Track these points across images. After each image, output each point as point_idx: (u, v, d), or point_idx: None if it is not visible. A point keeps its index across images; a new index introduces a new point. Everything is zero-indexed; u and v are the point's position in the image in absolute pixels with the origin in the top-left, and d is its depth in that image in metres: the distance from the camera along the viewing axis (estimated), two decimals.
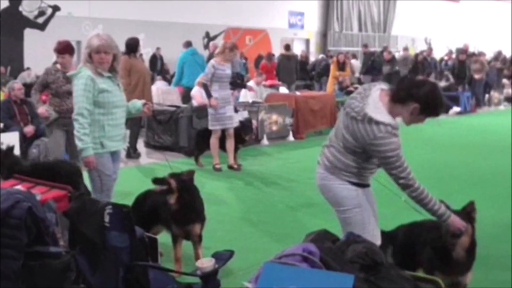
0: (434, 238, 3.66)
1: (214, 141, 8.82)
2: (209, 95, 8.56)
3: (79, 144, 4.62)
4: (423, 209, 3.51)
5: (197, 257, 4.58)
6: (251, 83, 12.82)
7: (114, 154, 4.87)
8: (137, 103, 5.05)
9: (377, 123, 3.38)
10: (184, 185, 4.59)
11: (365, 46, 21.32)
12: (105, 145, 4.71)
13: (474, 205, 3.65)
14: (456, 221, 3.49)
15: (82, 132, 4.59)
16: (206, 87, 8.60)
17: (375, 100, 3.46)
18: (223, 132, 8.79)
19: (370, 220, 3.67)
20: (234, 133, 8.87)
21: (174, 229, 4.71)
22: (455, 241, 3.54)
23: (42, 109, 6.66)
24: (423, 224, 3.90)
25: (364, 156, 3.55)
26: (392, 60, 19.00)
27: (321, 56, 21.13)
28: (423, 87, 3.46)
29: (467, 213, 3.61)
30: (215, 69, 8.51)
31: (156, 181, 4.61)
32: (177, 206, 4.57)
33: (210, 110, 8.67)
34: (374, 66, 18.88)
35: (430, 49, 23.32)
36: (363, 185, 3.65)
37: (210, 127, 8.76)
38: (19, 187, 3.93)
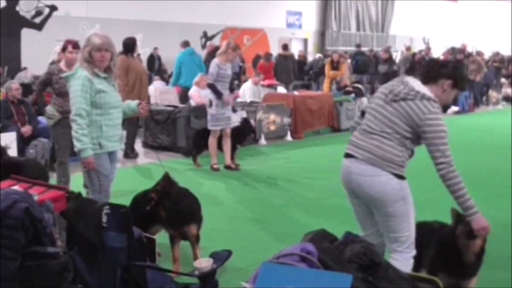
0: (444, 238, 3.65)
1: (213, 141, 8.80)
2: (219, 94, 8.49)
3: (78, 145, 4.61)
4: (453, 196, 3.48)
5: (195, 257, 4.57)
6: (247, 85, 12.85)
7: (111, 155, 4.87)
8: (132, 103, 5.05)
9: (429, 98, 3.54)
10: (162, 192, 4.56)
11: (358, 46, 21.34)
12: (103, 145, 4.71)
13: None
14: (482, 220, 3.47)
15: (81, 133, 4.58)
16: (214, 87, 8.51)
17: (416, 83, 3.64)
18: (221, 132, 8.79)
19: (412, 211, 3.66)
20: (232, 133, 8.86)
21: (170, 231, 4.70)
22: (468, 243, 3.53)
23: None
24: (430, 224, 3.90)
25: (408, 143, 3.59)
26: (390, 60, 18.98)
27: (318, 55, 21.12)
28: (449, 65, 3.76)
29: None
30: (219, 69, 8.49)
31: (147, 203, 4.62)
32: (166, 212, 4.56)
33: (210, 111, 8.63)
34: (358, 65, 18.93)
35: (428, 49, 23.31)
36: (403, 178, 3.63)
37: (210, 127, 8.73)
38: (16, 187, 3.92)
